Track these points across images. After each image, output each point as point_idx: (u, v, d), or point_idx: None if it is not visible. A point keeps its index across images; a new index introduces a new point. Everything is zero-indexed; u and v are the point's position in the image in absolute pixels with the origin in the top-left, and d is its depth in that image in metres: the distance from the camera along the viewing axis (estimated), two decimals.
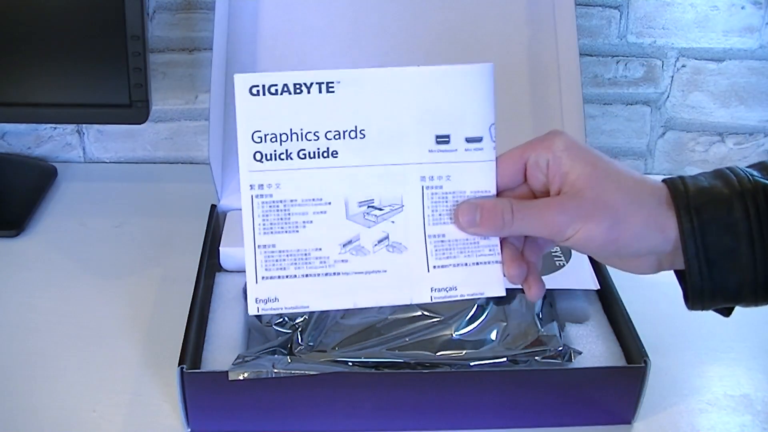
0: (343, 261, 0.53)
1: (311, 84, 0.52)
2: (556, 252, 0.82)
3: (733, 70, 1.05)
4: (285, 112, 0.52)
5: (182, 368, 0.64)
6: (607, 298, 0.77)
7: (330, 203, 0.53)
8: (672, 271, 0.54)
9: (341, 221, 0.53)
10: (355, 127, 0.53)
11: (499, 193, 0.54)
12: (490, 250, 0.54)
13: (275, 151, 0.52)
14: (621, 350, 0.72)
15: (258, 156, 0.52)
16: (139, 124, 0.91)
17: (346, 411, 0.67)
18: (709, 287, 0.50)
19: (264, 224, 0.53)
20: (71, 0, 0.86)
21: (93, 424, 0.68)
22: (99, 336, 0.77)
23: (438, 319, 0.72)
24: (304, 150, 0.53)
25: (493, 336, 0.71)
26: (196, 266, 0.76)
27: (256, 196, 0.53)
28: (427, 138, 0.53)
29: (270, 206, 0.53)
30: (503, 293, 0.54)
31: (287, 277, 0.53)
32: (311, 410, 0.67)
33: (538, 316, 0.73)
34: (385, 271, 0.54)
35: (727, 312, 0.54)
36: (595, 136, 1.09)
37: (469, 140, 0.54)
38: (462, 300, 0.55)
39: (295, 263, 0.53)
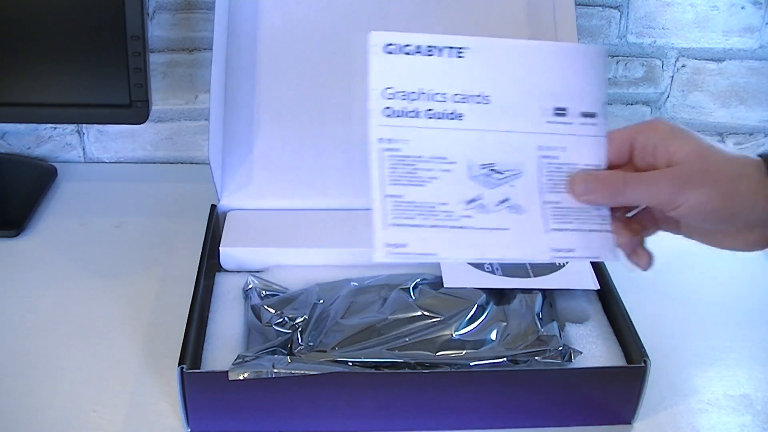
0: (467, 216, 0.55)
1: (443, 47, 0.54)
2: None
3: (733, 70, 1.05)
4: (416, 71, 0.54)
5: (182, 368, 0.64)
6: (607, 298, 0.77)
7: (455, 162, 0.55)
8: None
9: (464, 180, 0.55)
10: (481, 93, 0.55)
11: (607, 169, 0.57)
12: (602, 220, 0.56)
13: (405, 108, 0.54)
14: (621, 350, 0.72)
15: (388, 111, 0.54)
16: (139, 124, 0.91)
17: (346, 411, 0.67)
18: None
19: (392, 176, 0.54)
20: (71, 0, 0.86)
21: (93, 424, 0.68)
22: (99, 336, 0.77)
23: (438, 319, 0.72)
24: (431, 110, 0.55)
25: (493, 336, 0.71)
26: (196, 266, 0.76)
27: (385, 150, 0.54)
28: (547, 109, 0.56)
29: (398, 160, 0.54)
30: (618, 259, 0.56)
31: (415, 226, 0.54)
32: (311, 410, 0.67)
33: (538, 316, 0.73)
34: (508, 229, 0.55)
35: None
36: None
37: (584, 115, 0.56)
38: (578, 259, 0.57)
39: (422, 214, 0.54)
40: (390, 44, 0.54)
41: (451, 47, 0.54)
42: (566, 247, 0.56)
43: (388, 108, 0.54)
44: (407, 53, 0.54)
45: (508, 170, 0.55)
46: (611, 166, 0.56)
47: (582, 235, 0.56)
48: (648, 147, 0.54)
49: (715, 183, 0.52)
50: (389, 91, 0.54)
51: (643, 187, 0.53)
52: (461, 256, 0.55)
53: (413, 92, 0.54)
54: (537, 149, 0.56)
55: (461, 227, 0.55)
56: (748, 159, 0.53)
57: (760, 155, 0.54)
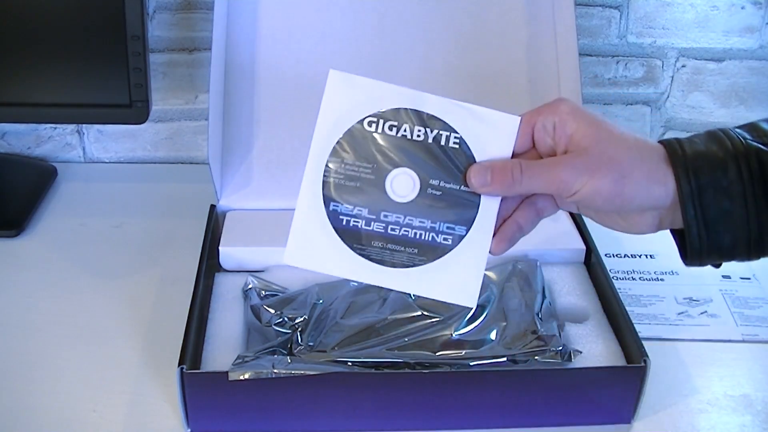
0: None
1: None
2: None
3: (733, 70, 1.05)
4: None
5: (182, 368, 0.64)
6: (607, 298, 0.77)
7: None
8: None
9: None
10: None
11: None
12: None
13: None
14: (621, 350, 0.72)
15: None
16: (139, 124, 0.91)
17: (346, 411, 0.67)
18: (707, 246, 0.53)
19: None
20: (71, 0, 0.86)
21: (93, 424, 0.68)
22: (99, 336, 0.77)
23: (438, 319, 0.72)
24: None
25: (492, 336, 0.71)
26: (196, 266, 0.76)
27: None
28: None
29: None
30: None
31: None
32: (311, 410, 0.67)
33: (538, 315, 0.73)
34: None
35: (718, 265, 0.57)
36: None
37: None
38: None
39: None
40: None
41: None
42: None
43: None
44: None
45: None
46: (514, 155, 0.56)
47: None
48: (547, 128, 0.54)
49: (611, 169, 0.52)
50: None
51: (540, 175, 0.54)
52: None
53: None
54: None
55: None
56: (647, 144, 0.54)
57: (660, 141, 0.55)
